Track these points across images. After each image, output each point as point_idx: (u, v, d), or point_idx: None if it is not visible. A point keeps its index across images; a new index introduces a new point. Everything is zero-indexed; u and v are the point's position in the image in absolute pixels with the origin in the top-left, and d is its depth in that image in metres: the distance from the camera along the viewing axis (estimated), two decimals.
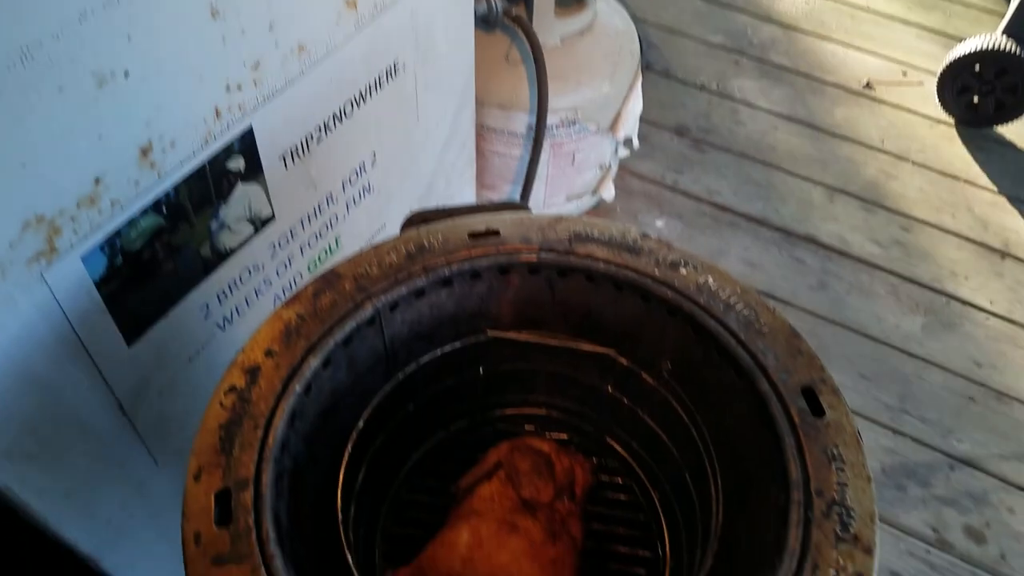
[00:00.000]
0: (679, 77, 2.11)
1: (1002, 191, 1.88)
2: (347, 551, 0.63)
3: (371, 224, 1.13)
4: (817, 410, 0.62)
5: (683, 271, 0.71)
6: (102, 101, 0.64)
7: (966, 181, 1.89)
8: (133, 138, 0.69)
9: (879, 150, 1.95)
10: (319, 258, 1.04)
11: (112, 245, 0.71)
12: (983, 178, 1.90)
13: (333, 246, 1.05)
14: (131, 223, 0.72)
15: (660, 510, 0.85)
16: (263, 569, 0.53)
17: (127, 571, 0.94)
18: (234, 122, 0.79)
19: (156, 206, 0.74)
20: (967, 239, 1.77)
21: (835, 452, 0.60)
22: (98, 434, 0.80)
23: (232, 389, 0.62)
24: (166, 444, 0.90)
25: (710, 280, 0.70)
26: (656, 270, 0.71)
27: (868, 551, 0.55)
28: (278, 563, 0.53)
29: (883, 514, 1.35)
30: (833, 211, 1.81)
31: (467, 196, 1.45)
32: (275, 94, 0.82)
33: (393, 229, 0.76)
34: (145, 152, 0.70)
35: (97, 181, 0.67)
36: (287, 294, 0.97)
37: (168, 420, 0.88)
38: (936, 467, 1.41)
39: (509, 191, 1.57)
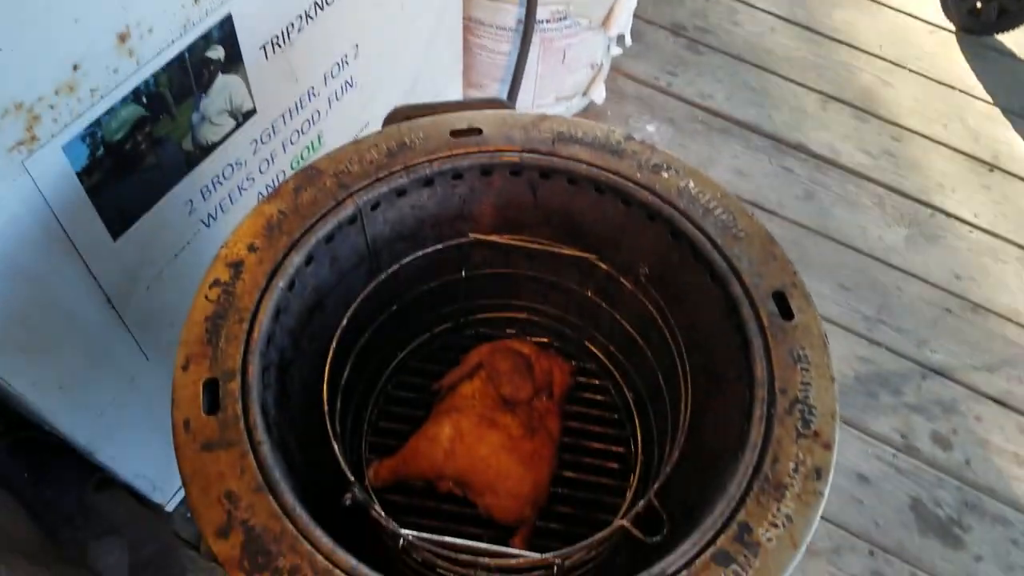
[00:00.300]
0: None
1: (997, 102, 1.85)
2: (334, 441, 0.65)
3: (355, 121, 1.11)
4: (787, 313, 0.64)
5: (665, 175, 0.71)
6: None
7: (962, 91, 1.87)
8: (110, 23, 0.67)
9: (876, 56, 1.91)
10: (302, 155, 1.03)
11: (93, 135, 0.70)
12: (979, 88, 1.88)
13: (316, 143, 1.04)
14: (111, 112, 0.71)
15: (634, 410, 0.89)
16: (251, 455, 0.56)
17: (123, 462, 0.98)
18: (213, 9, 0.76)
19: (136, 95, 0.73)
20: (957, 151, 1.77)
21: (801, 354, 0.62)
22: (88, 327, 0.82)
23: (217, 283, 0.63)
24: (156, 339, 0.92)
25: (691, 184, 0.70)
26: (638, 173, 0.72)
27: (827, 447, 0.58)
28: (266, 449, 0.56)
29: (853, 420, 1.39)
30: (825, 119, 1.79)
31: (453, 94, 1.42)
32: None
33: (377, 127, 0.76)
34: (123, 38, 0.69)
35: (75, 67, 0.66)
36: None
37: (157, 315, 0.90)
38: (908, 376, 1.45)
39: (497, 90, 1.54)
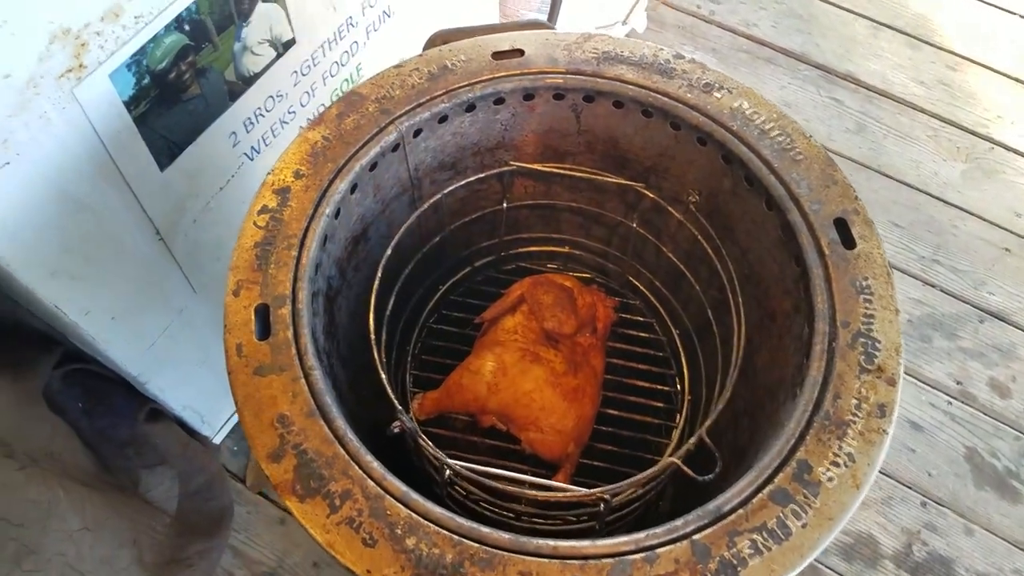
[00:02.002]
0: None
1: None
2: (380, 370, 0.65)
3: (393, 52, 1.09)
4: (848, 242, 0.61)
5: (717, 95, 0.68)
6: None
7: (1021, 16, 1.77)
8: None
9: None
10: (342, 88, 1.01)
11: (138, 64, 0.70)
12: None
13: (355, 75, 1.03)
14: (155, 40, 0.71)
15: (680, 347, 0.87)
16: (303, 380, 0.56)
17: (172, 394, 1.01)
18: None
19: (179, 23, 0.72)
20: (1017, 80, 1.68)
21: (864, 284, 0.60)
22: (138, 259, 0.83)
23: (265, 209, 0.62)
24: (203, 272, 0.93)
25: (744, 105, 0.67)
26: (688, 94, 0.69)
27: (892, 383, 0.56)
28: (317, 375, 0.56)
29: (906, 366, 1.32)
30: (877, 47, 1.71)
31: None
32: None
33: None
34: None
35: None
36: None
37: (203, 248, 0.90)
38: (965, 319, 1.38)
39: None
